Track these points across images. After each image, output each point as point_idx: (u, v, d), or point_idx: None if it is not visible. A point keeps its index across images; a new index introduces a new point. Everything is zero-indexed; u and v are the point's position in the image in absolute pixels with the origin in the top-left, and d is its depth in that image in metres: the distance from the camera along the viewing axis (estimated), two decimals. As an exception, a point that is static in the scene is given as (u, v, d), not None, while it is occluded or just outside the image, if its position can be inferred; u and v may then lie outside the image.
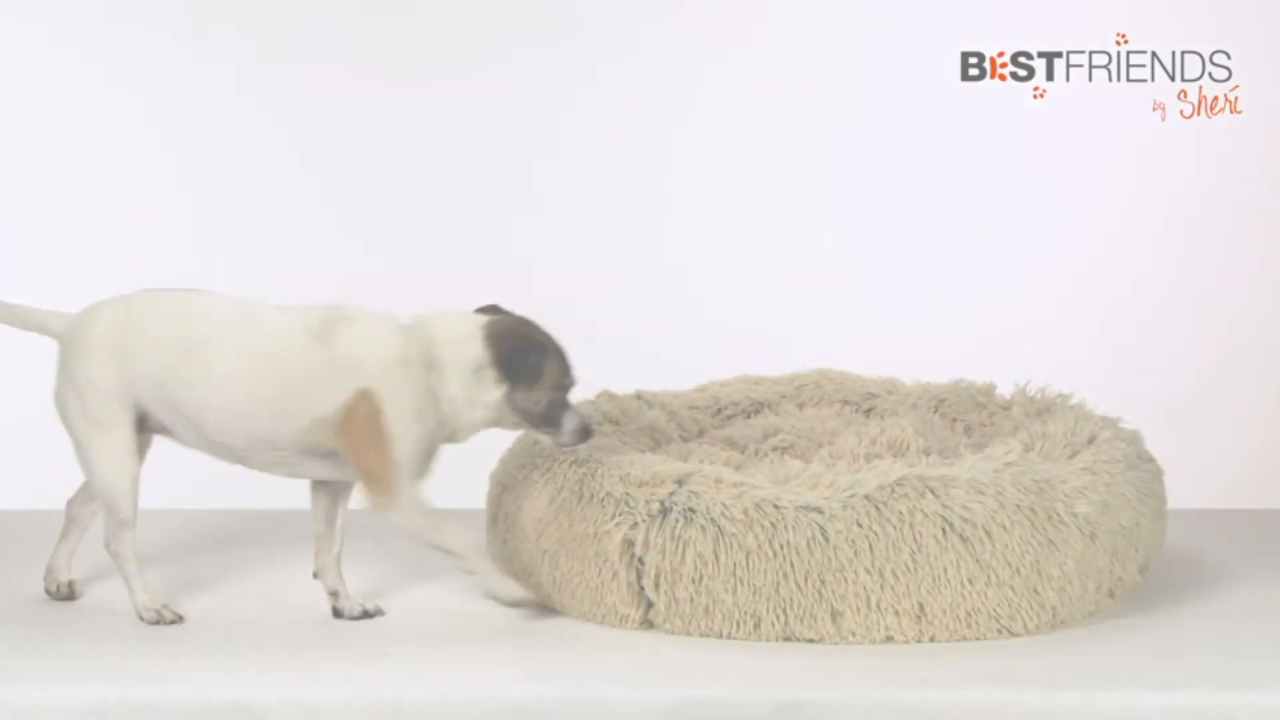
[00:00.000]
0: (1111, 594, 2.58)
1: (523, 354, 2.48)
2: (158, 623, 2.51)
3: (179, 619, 2.53)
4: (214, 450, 2.55)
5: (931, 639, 2.41)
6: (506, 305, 2.66)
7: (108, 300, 2.57)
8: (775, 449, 2.90)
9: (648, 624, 2.48)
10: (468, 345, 2.48)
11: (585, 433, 2.56)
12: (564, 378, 2.54)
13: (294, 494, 3.61)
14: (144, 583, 2.55)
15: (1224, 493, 3.81)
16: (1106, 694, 2.16)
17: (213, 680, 2.21)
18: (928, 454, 2.70)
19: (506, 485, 2.76)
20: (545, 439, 2.60)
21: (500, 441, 2.93)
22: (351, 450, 2.44)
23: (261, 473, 2.58)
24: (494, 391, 2.49)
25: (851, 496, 2.42)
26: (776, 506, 2.42)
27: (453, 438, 2.53)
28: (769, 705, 2.14)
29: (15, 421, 4.05)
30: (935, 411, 3.04)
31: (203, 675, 2.23)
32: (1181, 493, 2.86)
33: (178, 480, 4.08)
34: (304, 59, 4.18)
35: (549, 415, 2.53)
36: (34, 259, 4.13)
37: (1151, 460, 2.77)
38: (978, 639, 2.42)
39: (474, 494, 2.96)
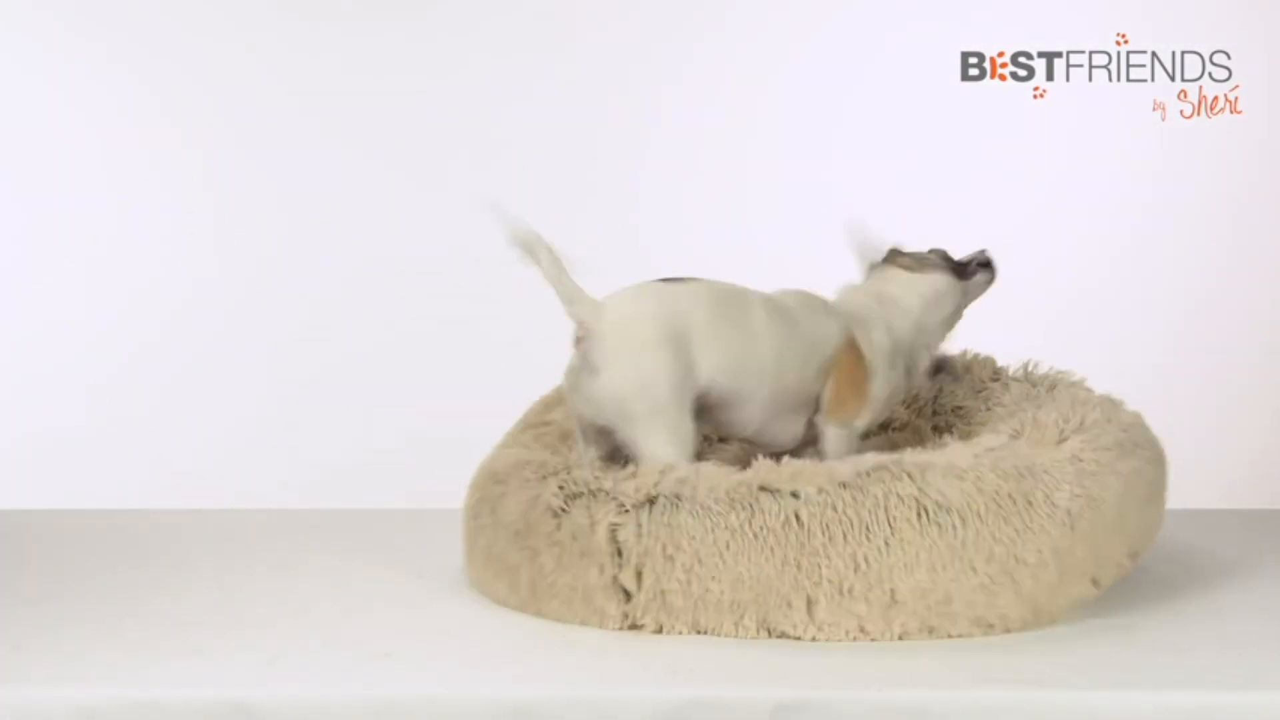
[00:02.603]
0: (1095, 582, 2.52)
1: (981, 261, 3.01)
2: None
3: None
4: (736, 431, 2.73)
5: (903, 626, 2.38)
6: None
7: (631, 293, 2.61)
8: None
9: (625, 617, 2.44)
10: (921, 284, 2.94)
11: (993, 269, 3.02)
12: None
13: (294, 494, 3.62)
14: None
15: (1224, 492, 3.81)
16: (1107, 694, 2.16)
17: (213, 680, 2.21)
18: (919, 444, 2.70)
19: (498, 477, 2.72)
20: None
21: (489, 436, 2.93)
22: (834, 388, 2.76)
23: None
24: (950, 304, 2.97)
25: (828, 481, 2.42)
26: (750, 490, 2.42)
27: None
28: (769, 705, 2.14)
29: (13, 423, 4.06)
30: (935, 400, 3.05)
31: (203, 675, 2.23)
32: (1181, 492, 2.85)
33: (178, 480, 4.11)
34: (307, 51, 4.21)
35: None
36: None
37: (1150, 444, 2.72)
38: (951, 626, 2.40)
39: (457, 493, 2.95)
